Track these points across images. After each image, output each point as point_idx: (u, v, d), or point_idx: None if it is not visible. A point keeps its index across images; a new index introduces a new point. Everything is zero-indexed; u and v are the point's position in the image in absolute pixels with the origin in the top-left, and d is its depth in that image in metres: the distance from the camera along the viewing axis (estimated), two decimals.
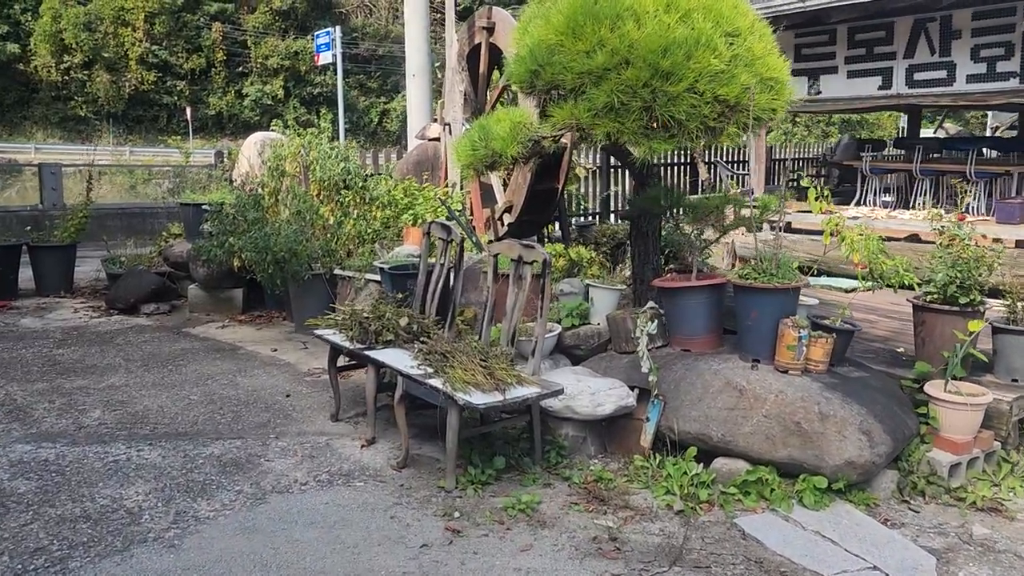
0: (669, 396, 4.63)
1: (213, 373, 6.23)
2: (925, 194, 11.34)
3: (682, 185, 16.22)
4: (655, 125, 4.59)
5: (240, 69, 40.21)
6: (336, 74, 26.80)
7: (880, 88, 9.58)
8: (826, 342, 4.43)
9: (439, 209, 7.71)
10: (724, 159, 14.33)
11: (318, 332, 5.19)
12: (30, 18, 35.52)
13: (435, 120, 10.80)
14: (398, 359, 4.68)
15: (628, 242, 6.20)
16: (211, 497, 4.12)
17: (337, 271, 7.18)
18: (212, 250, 7.42)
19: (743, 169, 14.81)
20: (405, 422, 4.57)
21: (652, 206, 5.92)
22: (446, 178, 8.64)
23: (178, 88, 38.70)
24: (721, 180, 14.06)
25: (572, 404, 4.55)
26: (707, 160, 15.93)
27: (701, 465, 4.36)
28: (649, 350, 4.96)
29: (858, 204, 12.86)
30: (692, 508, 4.07)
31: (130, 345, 7.06)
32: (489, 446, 4.66)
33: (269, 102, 39.85)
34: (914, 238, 8.66)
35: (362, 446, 4.86)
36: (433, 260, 5.49)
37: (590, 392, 4.61)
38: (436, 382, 4.30)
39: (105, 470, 4.46)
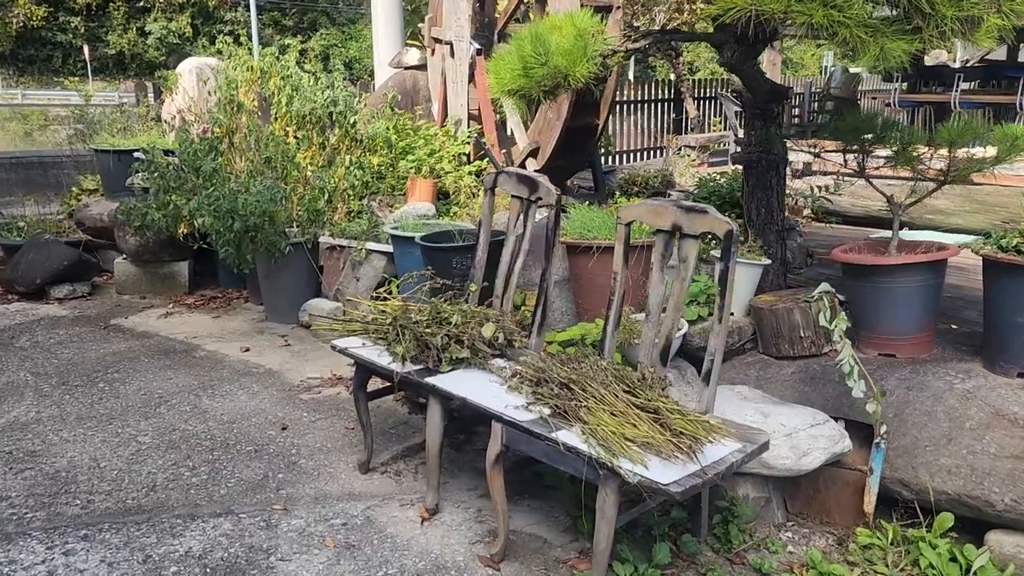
0: (890, 431, 3.07)
1: (167, 393, 4.37)
2: None
3: (665, 125, 14.68)
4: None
5: (142, 4, 36.52)
6: (249, 10, 24.33)
7: None
8: None
9: (449, 154, 5.90)
10: (724, 91, 12.75)
11: (339, 344, 3.40)
12: None
13: (414, 44, 8.85)
14: (486, 392, 2.96)
15: (741, 195, 4.56)
16: None
17: (325, 239, 5.34)
18: (148, 212, 5.46)
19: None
20: (504, 494, 2.88)
21: (775, 146, 4.32)
22: (444, 113, 6.80)
23: (72, 25, 34.85)
24: (726, 118, 12.48)
25: (764, 456, 2.93)
26: (700, 95, 14.35)
27: (986, 554, 2.81)
28: (824, 354, 3.43)
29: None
30: None
31: (39, 350, 5.09)
32: (633, 523, 3.01)
33: (175, 40, 36.48)
34: None
35: (423, 519, 3.16)
36: (498, 228, 3.75)
37: (784, 432, 3.00)
38: (570, 436, 2.61)
39: None
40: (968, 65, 12.84)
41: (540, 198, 3.46)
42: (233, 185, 4.85)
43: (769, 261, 3.95)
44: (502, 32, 6.77)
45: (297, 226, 5.32)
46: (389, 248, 5.04)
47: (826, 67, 23.70)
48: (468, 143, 6.23)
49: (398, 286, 4.70)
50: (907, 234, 6.60)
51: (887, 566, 2.86)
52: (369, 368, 3.34)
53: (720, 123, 14.74)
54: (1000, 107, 9.99)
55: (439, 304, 3.31)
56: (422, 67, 8.06)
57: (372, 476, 3.51)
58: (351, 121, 5.32)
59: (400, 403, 4.21)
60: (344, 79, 5.85)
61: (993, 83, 10.65)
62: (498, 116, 6.49)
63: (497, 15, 6.97)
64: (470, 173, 6.00)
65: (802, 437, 3.00)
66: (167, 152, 5.83)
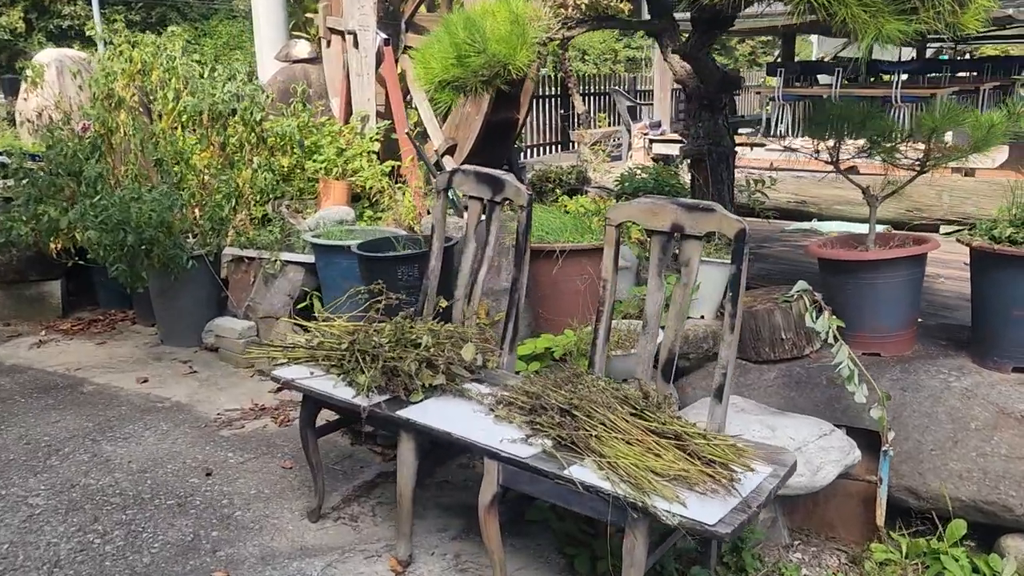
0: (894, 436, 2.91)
1: (56, 440, 3.71)
2: None
3: (553, 121, 14.54)
4: None
5: None
6: (90, 4, 22.56)
7: None
8: None
9: (360, 152, 5.43)
10: (619, 88, 12.71)
11: (283, 376, 2.91)
12: None
13: (301, 36, 8.26)
14: (472, 424, 2.57)
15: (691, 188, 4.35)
16: None
17: (230, 250, 4.76)
18: (13, 227, 4.69)
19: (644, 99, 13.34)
20: (500, 542, 2.51)
21: (724, 138, 4.15)
22: (348, 109, 6.28)
23: None
24: (618, 114, 12.43)
25: None
26: (589, 92, 14.28)
27: (1013, 563, 2.67)
28: (806, 356, 3.28)
29: (768, 136, 11.77)
30: None
31: None
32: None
33: (7, 37, 33.54)
34: None
35: (396, 574, 2.74)
36: (454, 235, 3.36)
37: (795, 446, 2.76)
38: (585, 473, 2.27)
39: None
40: (825, 61, 13.37)
41: (508, 199, 3.09)
42: (123, 193, 4.20)
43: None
44: (410, 21, 6.33)
45: (194, 237, 4.71)
46: (307, 258, 4.53)
47: None
48: (377, 140, 5.76)
49: (323, 302, 4.22)
50: (819, 225, 6.68)
51: None
52: (321, 402, 2.87)
53: (606, 119, 14.75)
54: (875, 100, 10.36)
55: (403, 323, 2.88)
56: (313, 60, 7.50)
57: (325, 524, 3.05)
58: (257, 118, 4.75)
59: (341, 433, 3.74)
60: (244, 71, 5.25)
61: (871, 78, 11.05)
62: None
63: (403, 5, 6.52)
64: (384, 174, 5.55)
65: (812, 451, 2.77)
66: (32, 156, 5.06)
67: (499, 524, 2.50)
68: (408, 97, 6.15)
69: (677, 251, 2.75)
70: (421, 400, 2.71)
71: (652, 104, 12.59)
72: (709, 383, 3.49)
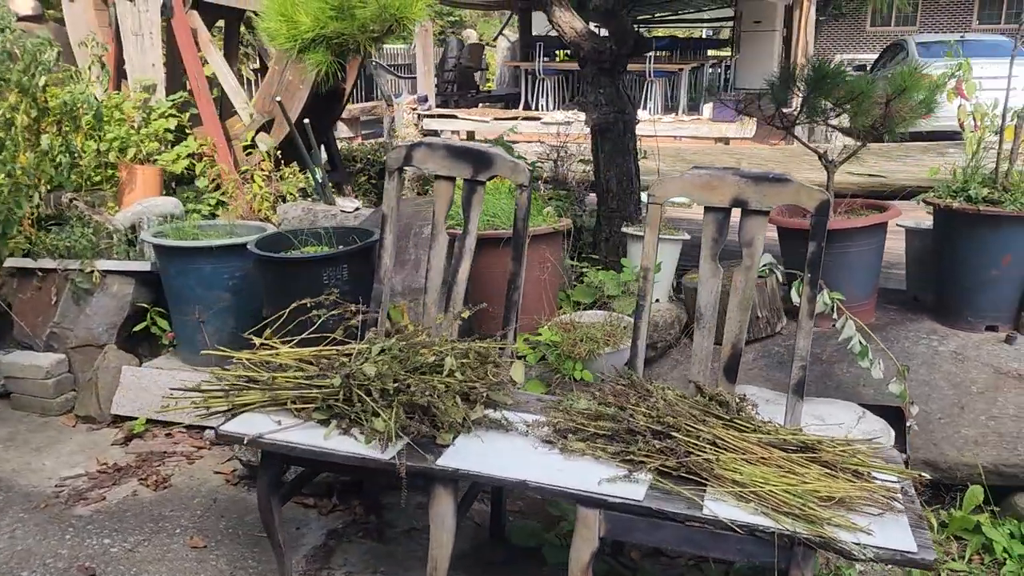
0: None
1: None
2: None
3: None
4: None
5: None
6: None
7: None
8: None
9: (158, 130, 4.40)
10: (379, 61, 11.97)
11: (231, 431, 2.08)
12: None
13: None
14: (539, 464, 2.00)
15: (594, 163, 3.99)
16: None
17: (13, 262, 3.55)
18: None
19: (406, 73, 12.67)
20: None
21: (627, 105, 3.89)
22: (118, 77, 5.06)
23: None
24: (378, 87, 11.69)
25: None
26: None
27: None
28: (778, 333, 3.13)
29: (528, 107, 11.86)
30: None
31: None
32: None
33: None
34: None
35: None
36: (322, 224, 2.69)
37: (841, 434, 2.53)
38: (729, 508, 1.84)
39: None
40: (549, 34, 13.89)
41: (497, 176, 2.50)
42: None
43: (686, 235, 3.45)
44: None
45: None
46: (139, 266, 3.50)
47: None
48: (173, 115, 4.69)
49: (171, 321, 3.30)
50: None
51: (956, 559, 2.59)
52: (316, 462, 2.12)
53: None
54: (635, 73, 10.80)
55: (413, 342, 2.20)
56: (39, 19, 6.10)
57: None
58: (39, 83, 3.53)
59: (235, 483, 2.92)
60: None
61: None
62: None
63: None
64: (188, 155, 4.53)
65: (859, 437, 2.57)
66: None
67: None
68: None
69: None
70: (451, 441, 2.08)
71: (415, 78, 12.06)
72: (679, 372, 3.20)
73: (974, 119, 3.19)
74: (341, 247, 2.89)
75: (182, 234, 3.33)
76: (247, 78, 7.65)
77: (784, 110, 3.60)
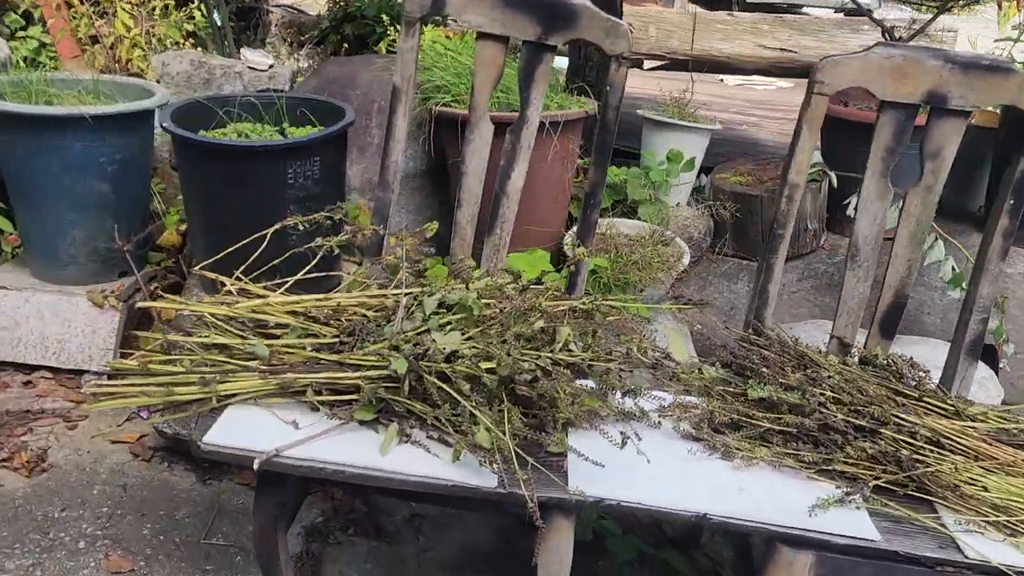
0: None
1: None
2: None
3: None
4: None
5: None
6: None
7: None
8: None
9: None
10: None
11: (227, 444, 1.27)
12: None
13: None
14: (715, 485, 1.37)
15: None
16: None
17: None
18: None
19: None
20: None
21: None
22: None
23: None
24: None
25: None
26: None
27: None
28: (821, 247, 2.73)
29: None
30: None
31: None
32: None
33: None
34: None
35: None
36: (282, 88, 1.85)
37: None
38: (993, 545, 1.31)
39: None
40: None
41: (580, 39, 1.70)
42: None
43: (720, 126, 2.80)
44: None
45: None
46: None
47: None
48: None
49: (18, 227, 2.31)
50: None
51: None
52: (369, 488, 1.36)
53: None
54: None
55: (499, 291, 1.44)
56: None
57: None
58: None
59: (139, 455, 2.09)
60: None
61: None
62: None
63: None
64: None
65: (975, 389, 2.13)
66: None
67: None
68: None
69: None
70: (567, 446, 1.39)
71: None
72: (714, 292, 2.64)
73: None
74: (309, 130, 1.98)
75: (29, 94, 2.24)
76: None
77: None
